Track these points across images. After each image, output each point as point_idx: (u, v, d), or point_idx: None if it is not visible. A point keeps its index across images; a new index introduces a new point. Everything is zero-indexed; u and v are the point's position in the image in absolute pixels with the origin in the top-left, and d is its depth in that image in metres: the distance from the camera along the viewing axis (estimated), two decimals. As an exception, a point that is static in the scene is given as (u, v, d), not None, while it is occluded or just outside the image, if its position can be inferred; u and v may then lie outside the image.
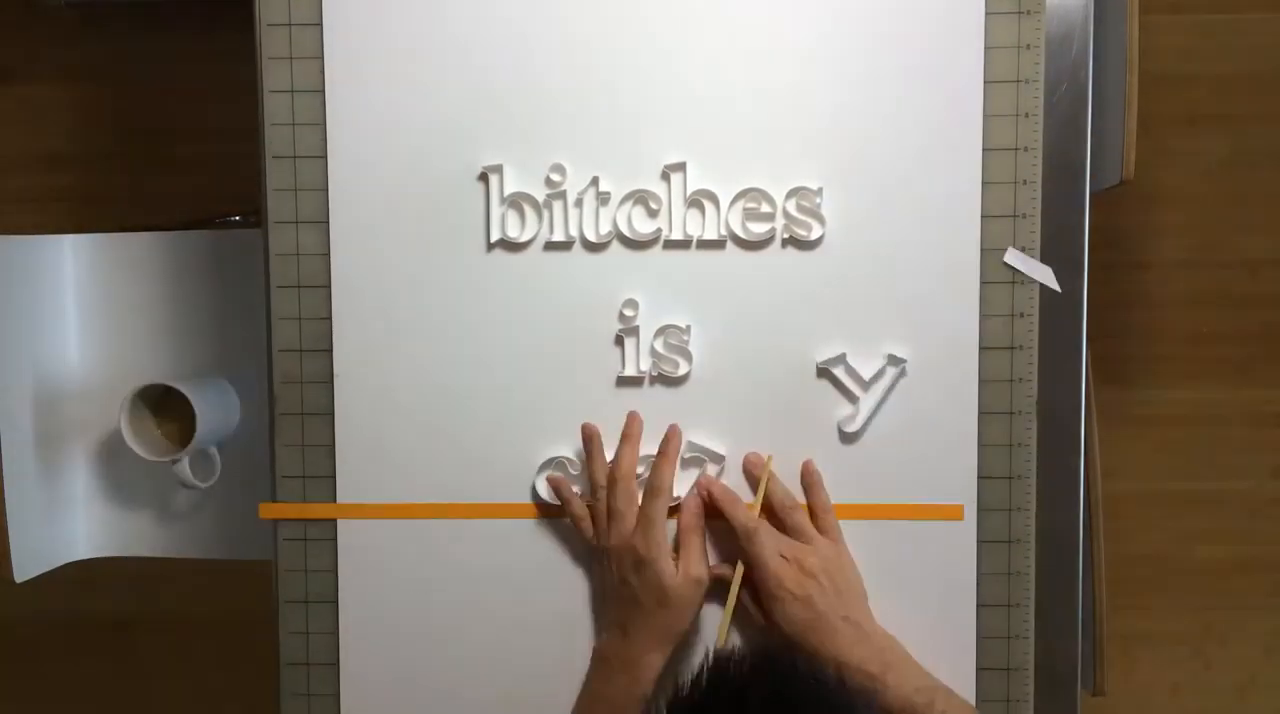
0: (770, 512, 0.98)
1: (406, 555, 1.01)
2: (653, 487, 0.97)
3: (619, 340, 0.99)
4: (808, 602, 0.93)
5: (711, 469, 1.00)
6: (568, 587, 1.01)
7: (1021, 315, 0.99)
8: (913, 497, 1.00)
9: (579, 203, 0.99)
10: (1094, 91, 0.99)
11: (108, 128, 1.77)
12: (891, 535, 1.00)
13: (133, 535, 1.28)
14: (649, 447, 1.00)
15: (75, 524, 1.26)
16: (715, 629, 0.98)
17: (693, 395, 1.00)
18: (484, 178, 0.99)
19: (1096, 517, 1.12)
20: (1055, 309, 0.99)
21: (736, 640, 0.99)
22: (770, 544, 0.95)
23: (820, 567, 0.94)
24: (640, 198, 0.99)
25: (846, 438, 1.00)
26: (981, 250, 0.98)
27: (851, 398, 0.99)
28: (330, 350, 1.00)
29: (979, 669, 1.01)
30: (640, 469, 0.99)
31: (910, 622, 0.99)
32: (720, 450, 1.00)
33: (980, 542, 1.00)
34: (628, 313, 0.99)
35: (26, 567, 1.19)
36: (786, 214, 0.98)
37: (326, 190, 1.00)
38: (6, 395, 1.18)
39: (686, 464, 1.00)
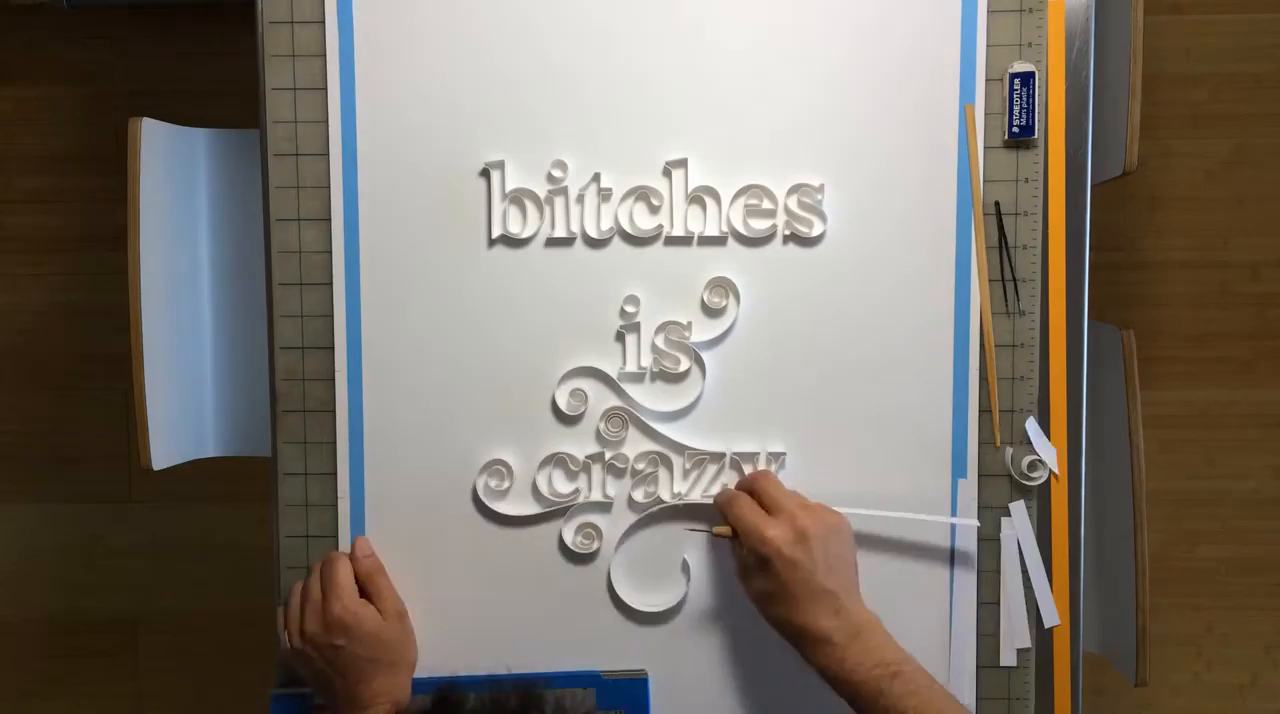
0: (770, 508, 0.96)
1: (404, 551, 1.01)
2: (326, 563, 0.98)
3: (620, 336, 0.99)
4: (792, 566, 0.89)
5: (711, 468, 1.00)
6: (566, 579, 1.01)
7: (1023, 313, 0.99)
8: (910, 490, 1.00)
9: (580, 199, 0.99)
10: (1095, 92, 0.99)
11: (108, 128, 1.77)
12: (893, 530, 1.00)
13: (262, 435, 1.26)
14: (649, 443, 1.00)
15: (206, 421, 1.24)
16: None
17: (693, 391, 1.00)
18: (485, 174, 0.99)
19: (1140, 513, 1.12)
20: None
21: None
22: (752, 507, 0.93)
23: (815, 531, 0.90)
24: (642, 194, 0.99)
25: (851, 431, 1.00)
26: (986, 247, 0.98)
27: (853, 393, 0.99)
28: (332, 347, 1.00)
29: (979, 667, 1.01)
30: (642, 465, 0.99)
31: (911, 617, 0.99)
32: (720, 449, 1.00)
33: (981, 540, 1.00)
34: (629, 309, 0.99)
35: (163, 457, 1.16)
36: (788, 211, 0.98)
37: (328, 188, 1.00)
38: (151, 286, 1.15)
39: (688, 470, 1.00)
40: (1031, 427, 0.99)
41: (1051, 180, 0.98)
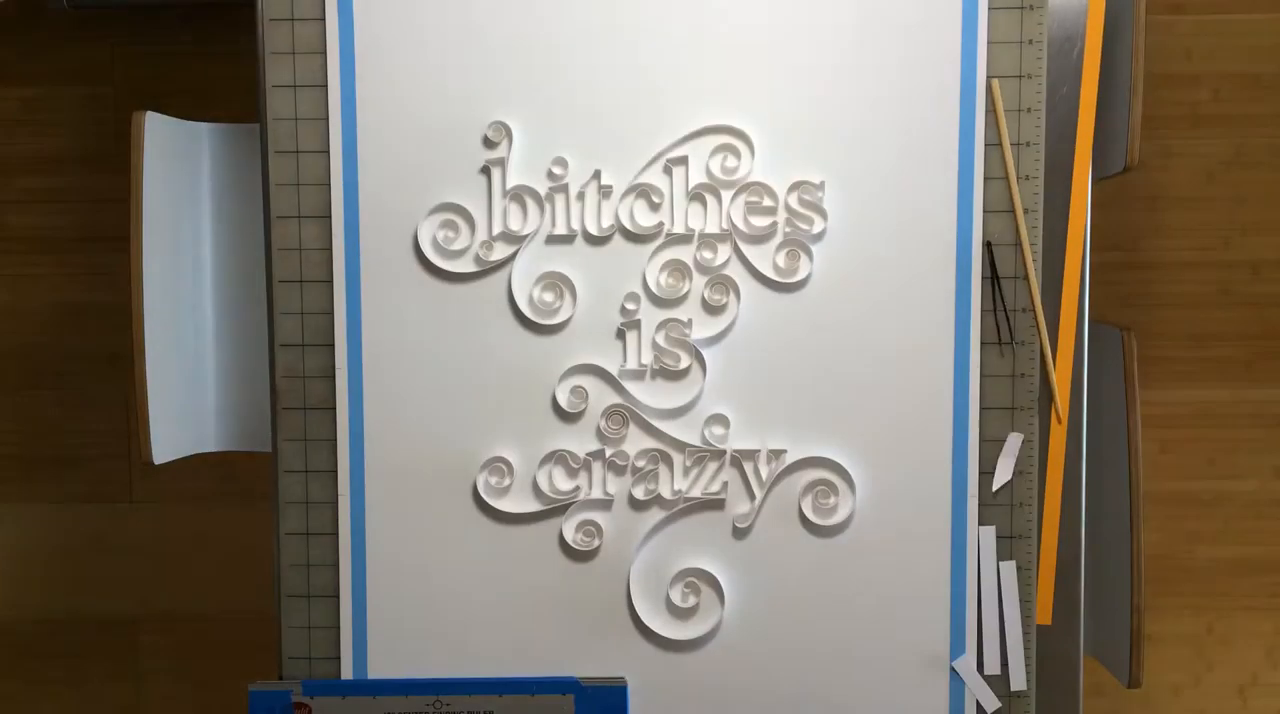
0: None
1: (404, 547, 1.01)
2: None
3: (620, 334, 0.99)
4: None
5: (712, 465, 1.00)
6: (566, 576, 1.01)
7: (1024, 311, 0.99)
8: (910, 482, 1.00)
9: (581, 196, 0.99)
10: (1097, 90, 0.99)
11: (108, 127, 1.76)
12: (890, 522, 1.00)
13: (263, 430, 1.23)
14: (649, 440, 1.00)
15: (207, 415, 1.23)
16: None
17: (694, 388, 0.99)
18: (486, 171, 0.99)
19: (1137, 513, 1.12)
20: (1057, 307, 0.99)
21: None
22: None
23: None
24: (642, 191, 0.99)
25: (851, 427, 1.00)
26: (984, 244, 0.98)
27: (854, 389, 0.99)
28: (332, 345, 1.00)
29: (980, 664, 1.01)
30: (642, 462, 0.99)
31: (907, 610, 0.99)
32: (720, 446, 1.00)
33: (982, 525, 1.00)
34: (629, 306, 0.99)
35: (164, 451, 1.16)
36: (788, 208, 0.98)
37: (328, 185, 1.00)
38: (153, 280, 1.15)
39: (689, 468, 1.00)
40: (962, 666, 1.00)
41: (1076, 180, 0.98)
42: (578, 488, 1.00)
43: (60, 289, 1.78)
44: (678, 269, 0.99)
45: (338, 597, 1.02)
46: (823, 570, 1.00)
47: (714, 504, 1.00)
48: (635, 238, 0.99)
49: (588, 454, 1.00)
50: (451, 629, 1.01)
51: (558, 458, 1.00)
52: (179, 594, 1.83)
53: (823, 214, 0.98)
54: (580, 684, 0.99)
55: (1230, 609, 1.80)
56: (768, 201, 0.98)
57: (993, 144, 0.98)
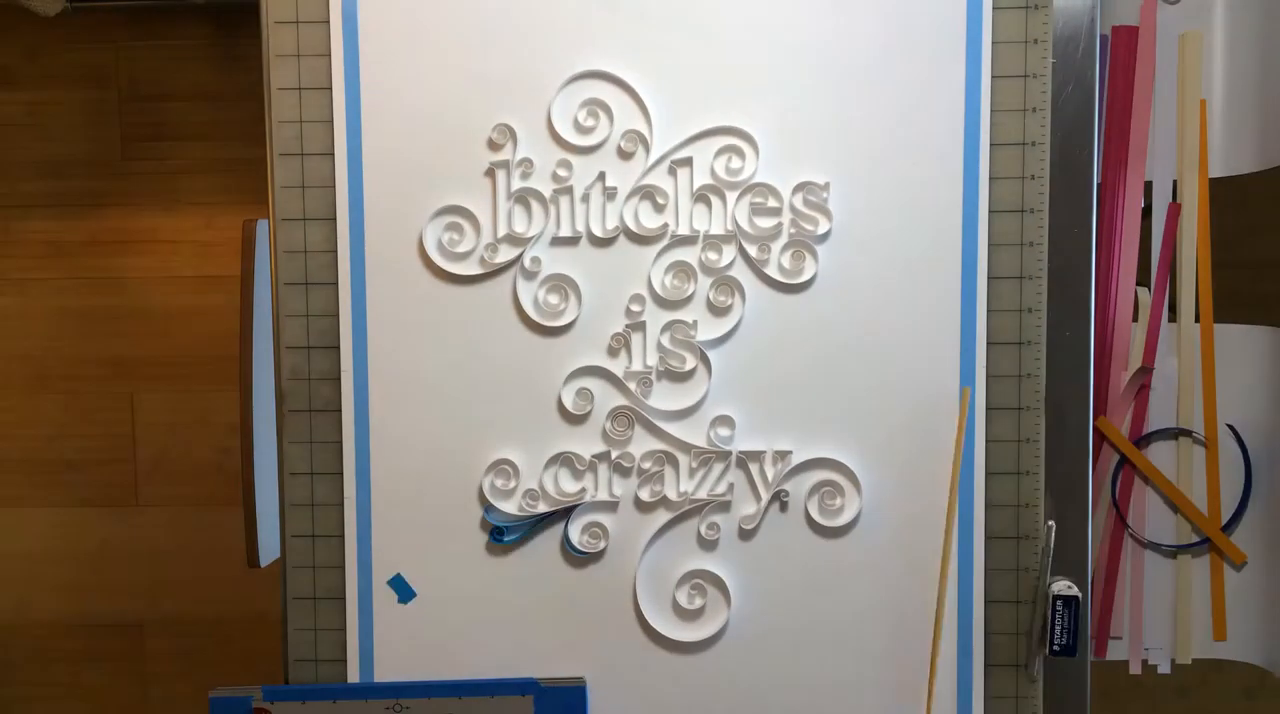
0: None
1: (409, 550, 1.01)
2: None
3: (625, 335, 0.99)
4: None
5: (718, 467, 1.00)
6: (570, 579, 1.01)
7: (1029, 310, 0.99)
8: (911, 497, 1.00)
9: (586, 198, 0.99)
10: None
11: (109, 130, 1.77)
12: (897, 523, 1.00)
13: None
14: (655, 442, 1.00)
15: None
16: None
17: (699, 390, 1.00)
18: (490, 173, 0.99)
19: None
20: (1062, 306, 0.99)
21: None
22: None
23: None
24: (647, 193, 0.99)
25: (856, 428, 1.00)
26: (989, 246, 0.98)
27: (859, 390, 0.99)
28: (337, 347, 1.00)
29: (987, 665, 1.01)
30: (648, 463, 0.99)
31: (914, 611, 0.99)
32: (726, 448, 1.00)
33: (989, 538, 1.00)
34: (634, 308, 0.99)
35: (269, 553, 1.17)
36: (793, 209, 0.98)
37: (333, 187, 1.00)
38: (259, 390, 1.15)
39: (695, 469, 1.00)
40: None
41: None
42: (583, 490, 1.00)
43: (65, 293, 1.79)
44: (683, 270, 0.99)
45: (344, 599, 1.02)
46: (829, 571, 1.00)
47: (720, 505, 1.00)
48: (640, 239, 0.99)
49: (593, 456, 1.00)
50: (458, 631, 1.01)
51: (563, 460, 1.00)
52: (185, 598, 1.83)
53: (827, 215, 0.98)
54: (539, 684, 1.00)
55: (1237, 610, 1.80)
56: (772, 202, 0.98)
57: (997, 144, 0.98)
